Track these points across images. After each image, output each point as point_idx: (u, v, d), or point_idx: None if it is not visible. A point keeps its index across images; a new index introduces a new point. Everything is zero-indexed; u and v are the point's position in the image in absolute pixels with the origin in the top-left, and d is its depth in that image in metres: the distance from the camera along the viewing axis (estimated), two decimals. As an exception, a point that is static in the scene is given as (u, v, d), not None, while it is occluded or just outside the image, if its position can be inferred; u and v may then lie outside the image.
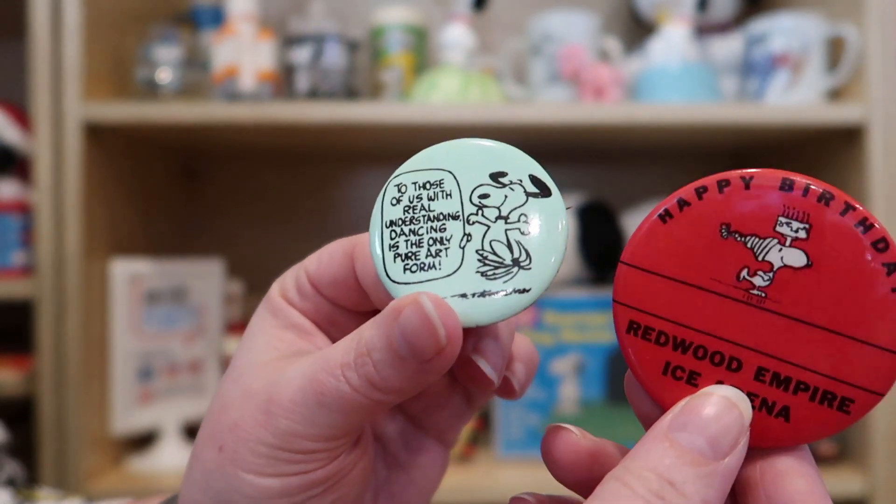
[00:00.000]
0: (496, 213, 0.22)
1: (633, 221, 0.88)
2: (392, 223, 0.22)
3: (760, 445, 0.20)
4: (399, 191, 0.22)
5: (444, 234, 0.22)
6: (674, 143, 0.95)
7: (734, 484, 0.20)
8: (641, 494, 0.18)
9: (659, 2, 0.87)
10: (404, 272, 0.21)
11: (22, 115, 0.86)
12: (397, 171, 0.22)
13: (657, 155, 1.05)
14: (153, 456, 0.82)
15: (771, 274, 0.19)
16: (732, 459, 0.18)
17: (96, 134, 0.78)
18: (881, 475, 0.75)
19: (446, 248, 0.21)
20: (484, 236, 0.21)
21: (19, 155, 0.85)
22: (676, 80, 0.81)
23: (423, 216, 0.22)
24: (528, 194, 0.22)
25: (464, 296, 0.21)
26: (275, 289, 0.26)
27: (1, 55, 0.97)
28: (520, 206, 0.22)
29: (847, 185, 0.80)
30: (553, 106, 0.80)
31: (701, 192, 0.20)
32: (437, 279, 0.21)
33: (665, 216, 0.20)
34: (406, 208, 0.22)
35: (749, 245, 0.20)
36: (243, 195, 1.07)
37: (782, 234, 0.19)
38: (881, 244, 0.19)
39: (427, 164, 0.22)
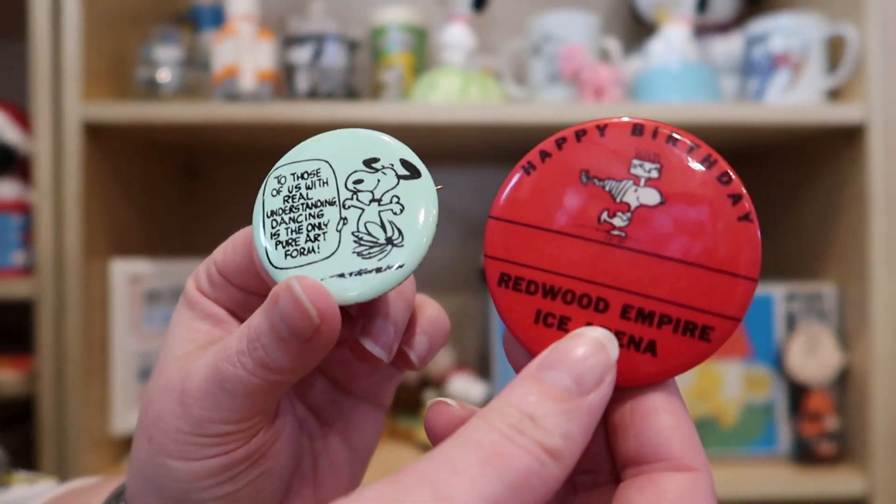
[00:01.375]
0: (370, 196, 0.23)
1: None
2: (273, 213, 0.23)
3: (632, 384, 0.20)
4: (279, 182, 0.23)
5: (321, 220, 0.23)
6: (674, 143, 0.95)
7: (609, 429, 0.21)
8: (499, 427, 0.18)
9: (659, 2, 0.87)
10: (286, 258, 0.23)
11: (22, 115, 0.86)
12: (277, 164, 0.23)
13: (657, 155, 1.05)
14: (153, 456, 0.82)
15: (629, 214, 0.20)
16: (597, 396, 0.19)
17: (96, 134, 0.78)
18: (881, 475, 0.75)
19: (324, 233, 0.23)
20: (359, 219, 0.23)
21: (19, 155, 0.85)
22: (676, 80, 0.81)
23: (302, 204, 0.23)
24: (399, 177, 0.23)
25: (342, 275, 0.22)
26: (190, 282, 0.27)
27: (1, 55, 0.97)
28: (392, 189, 0.23)
29: (847, 185, 0.80)
30: (553, 106, 0.80)
31: (561, 142, 0.22)
32: (316, 262, 0.22)
33: (528, 168, 0.22)
34: (286, 198, 0.23)
35: (607, 188, 0.21)
36: (243, 195, 1.07)
37: (637, 176, 0.20)
38: (724, 178, 0.20)
39: (304, 155, 0.24)
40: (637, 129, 0.21)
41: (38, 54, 0.76)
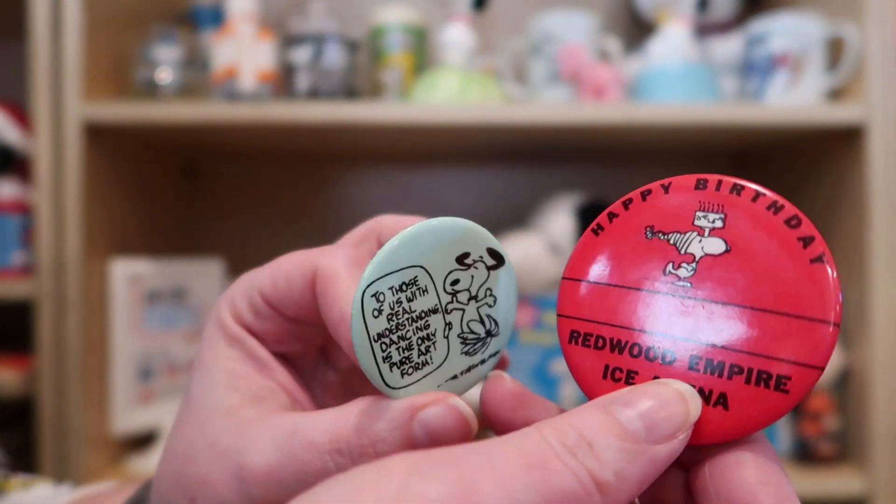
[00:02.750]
0: (467, 295, 0.23)
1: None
2: (380, 336, 0.21)
3: (703, 440, 0.19)
4: (377, 300, 0.21)
5: (428, 331, 0.22)
6: (674, 143, 0.95)
7: (694, 496, 0.19)
8: (551, 443, 0.17)
9: (659, 2, 0.87)
10: (402, 377, 0.22)
11: (22, 115, 0.86)
12: (369, 278, 0.21)
13: (657, 155, 1.05)
14: (153, 456, 0.82)
15: (694, 264, 0.20)
16: (664, 449, 0.18)
17: (96, 134, 0.78)
18: (881, 476, 0.75)
19: (433, 342, 0.22)
20: (461, 320, 0.23)
21: (19, 155, 0.85)
22: (676, 80, 0.81)
23: (407, 319, 0.22)
24: (488, 268, 0.23)
25: (454, 377, 0.23)
26: (225, 312, 0.24)
27: (1, 55, 0.97)
28: (484, 283, 0.23)
29: (847, 185, 0.80)
30: (553, 106, 0.80)
31: (627, 203, 0.22)
32: (431, 373, 0.22)
33: (597, 229, 0.22)
34: (389, 316, 0.21)
35: (672, 241, 0.20)
36: (243, 195, 1.07)
37: (701, 227, 0.20)
38: (793, 221, 0.19)
39: (398, 263, 0.22)
40: (700, 182, 0.21)
41: (38, 54, 0.76)
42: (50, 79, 0.76)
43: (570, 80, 0.84)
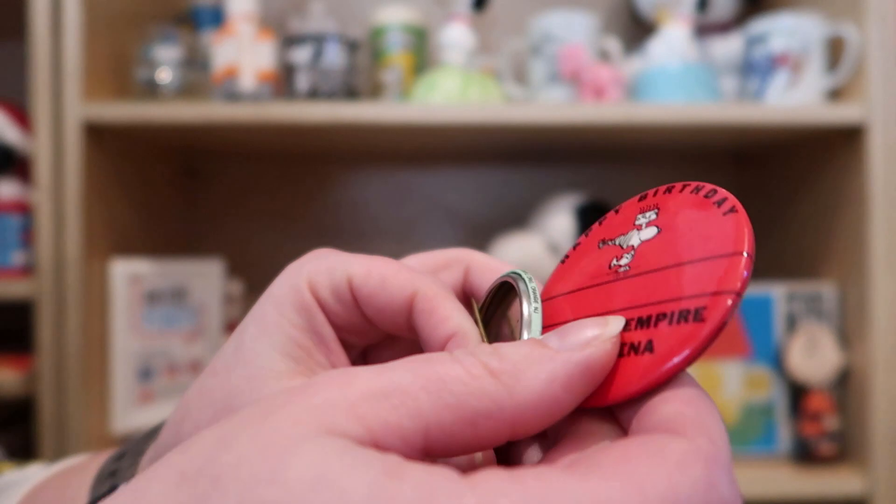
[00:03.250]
0: None
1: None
2: None
3: (634, 388, 0.19)
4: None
5: None
6: (674, 143, 0.95)
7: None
8: (456, 355, 0.18)
9: (659, 2, 0.87)
10: None
11: (22, 115, 0.86)
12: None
13: (657, 155, 1.05)
14: (153, 456, 0.82)
15: (632, 252, 0.22)
16: (578, 355, 0.18)
17: (96, 134, 0.78)
18: (881, 475, 0.75)
19: None
20: None
21: (19, 155, 0.85)
22: (676, 80, 0.81)
23: None
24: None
25: None
26: (302, 280, 0.24)
27: (1, 55, 0.97)
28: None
29: (847, 184, 0.80)
30: (553, 106, 0.80)
31: (587, 231, 0.25)
32: None
33: (564, 259, 0.25)
34: None
35: (617, 242, 0.23)
36: (243, 195, 1.07)
37: (639, 224, 0.23)
38: (711, 192, 0.21)
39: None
40: (642, 196, 0.24)
41: (38, 54, 0.76)
42: (50, 79, 0.76)
43: (570, 80, 0.84)
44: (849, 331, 0.81)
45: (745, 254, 0.19)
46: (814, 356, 0.80)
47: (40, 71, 0.76)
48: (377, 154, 1.06)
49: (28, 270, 0.82)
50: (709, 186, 0.22)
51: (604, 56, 0.88)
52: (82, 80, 0.76)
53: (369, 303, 0.24)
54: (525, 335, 0.22)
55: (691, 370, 0.22)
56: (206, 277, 0.89)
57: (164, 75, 0.82)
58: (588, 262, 0.24)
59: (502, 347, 0.18)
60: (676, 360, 0.19)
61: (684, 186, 0.22)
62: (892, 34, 0.76)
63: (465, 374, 0.17)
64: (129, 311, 0.81)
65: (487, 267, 0.27)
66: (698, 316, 0.19)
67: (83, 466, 0.29)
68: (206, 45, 0.88)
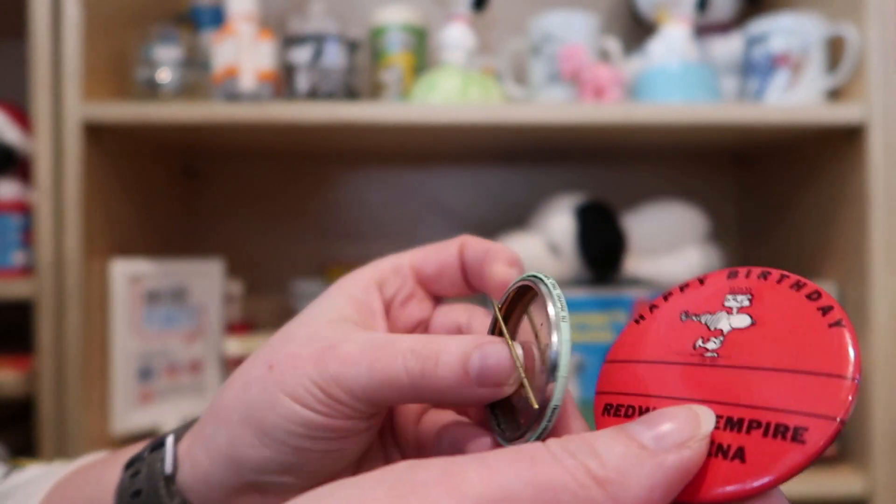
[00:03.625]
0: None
1: (634, 221, 0.88)
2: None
3: (723, 494, 0.19)
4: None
5: None
6: (674, 143, 0.95)
7: None
8: (549, 447, 0.18)
9: (659, 2, 0.87)
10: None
11: (22, 115, 0.86)
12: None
13: (657, 155, 1.05)
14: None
15: (721, 338, 0.21)
16: (674, 457, 0.18)
17: (96, 134, 0.78)
18: (881, 475, 0.75)
19: None
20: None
21: (19, 155, 0.85)
22: (676, 80, 0.81)
23: None
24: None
25: None
26: (409, 258, 0.30)
27: (1, 55, 0.97)
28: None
29: (847, 184, 0.80)
30: (553, 106, 0.80)
31: (667, 295, 0.24)
32: None
33: (639, 319, 0.24)
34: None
35: (703, 321, 0.22)
36: (243, 195, 1.07)
37: (729, 307, 0.22)
38: (814, 295, 0.21)
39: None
40: (732, 273, 0.23)
41: (38, 54, 0.76)
42: (50, 79, 0.76)
43: (570, 80, 0.84)
44: (849, 331, 0.81)
45: (853, 378, 0.19)
46: (814, 356, 0.80)
47: (40, 71, 0.76)
48: (377, 154, 1.06)
49: (28, 270, 0.82)
50: (811, 286, 0.21)
51: (604, 56, 0.88)
52: (82, 80, 0.76)
53: (434, 271, 0.29)
54: (554, 338, 0.22)
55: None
56: (206, 277, 0.89)
57: (164, 75, 0.82)
58: (668, 332, 0.23)
59: (597, 443, 0.18)
60: (769, 478, 0.19)
61: (782, 277, 0.22)
62: (892, 34, 0.76)
63: (573, 483, 0.17)
64: (129, 311, 0.81)
65: (480, 243, 0.29)
66: (798, 436, 0.18)
67: (106, 461, 0.30)
68: (206, 45, 0.88)
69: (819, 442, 0.18)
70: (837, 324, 0.19)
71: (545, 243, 0.86)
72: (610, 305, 0.81)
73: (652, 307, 0.24)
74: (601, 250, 0.82)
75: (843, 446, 0.80)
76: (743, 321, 0.21)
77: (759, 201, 1.03)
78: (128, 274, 0.81)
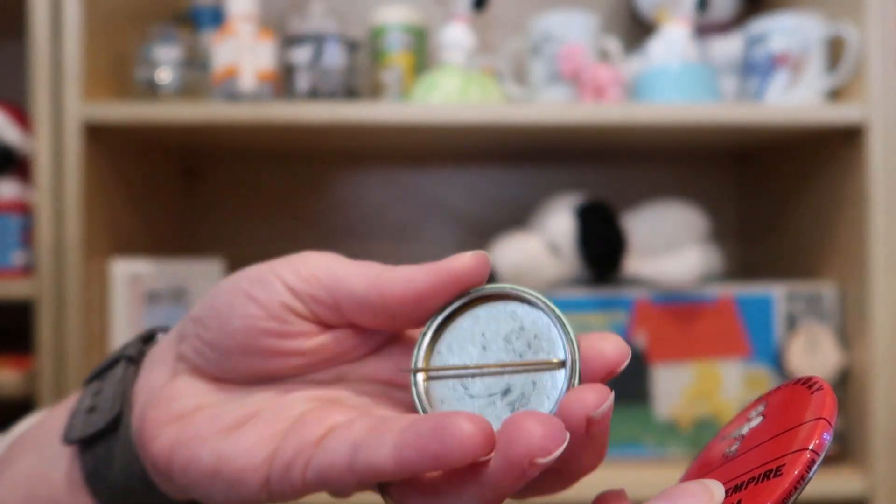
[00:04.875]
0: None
1: (634, 221, 0.88)
2: None
3: None
4: None
5: None
6: (674, 143, 0.95)
7: None
8: None
9: (659, 2, 0.87)
10: None
11: (22, 115, 0.86)
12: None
13: (657, 155, 1.05)
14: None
15: (741, 440, 0.25)
16: None
17: (96, 134, 0.78)
18: (881, 475, 0.75)
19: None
20: None
21: (19, 155, 0.85)
22: (676, 80, 0.81)
23: None
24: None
25: None
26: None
27: (1, 55, 0.97)
28: None
29: (847, 185, 0.80)
30: (553, 106, 0.80)
31: (717, 433, 0.28)
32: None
33: (695, 458, 0.28)
34: None
35: (732, 435, 0.26)
36: (243, 195, 1.07)
37: (750, 417, 0.26)
38: (808, 381, 0.24)
39: None
40: (759, 397, 0.27)
41: (37, 54, 0.76)
42: (50, 79, 0.76)
43: (570, 80, 0.84)
44: (849, 330, 0.81)
45: (824, 418, 0.22)
46: (814, 356, 0.80)
47: (40, 71, 0.76)
48: (377, 154, 1.06)
49: (28, 270, 0.82)
50: (813, 379, 0.24)
51: (604, 56, 0.88)
52: (82, 80, 0.76)
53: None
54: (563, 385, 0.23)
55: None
56: (206, 277, 0.89)
57: (164, 75, 0.82)
58: (708, 454, 0.26)
59: None
60: None
61: (795, 381, 0.25)
62: (892, 34, 0.76)
63: None
64: (129, 310, 0.81)
65: None
66: (778, 472, 0.21)
67: (48, 417, 0.32)
68: (205, 45, 0.88)
69: (794, 470, 0.21)
70: (818, 388, 0.23)
71: (545, 243, 0.86)
72: (609, 305, 0.82)
73: (706, 444, 0.28)
74: (601, 250, 0.82)
75: (844, 446, 0.80)
76: (757, 421, 0.25)
77: (758, 201, 1.03)
78: (128, 274, 0.81)
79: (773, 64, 0.81)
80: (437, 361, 0.25)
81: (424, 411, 0.24)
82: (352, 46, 0.85)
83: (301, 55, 0.82)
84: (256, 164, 1.07)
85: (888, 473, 0.75)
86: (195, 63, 0.85)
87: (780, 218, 0.98)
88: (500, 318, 0.25)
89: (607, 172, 1.07)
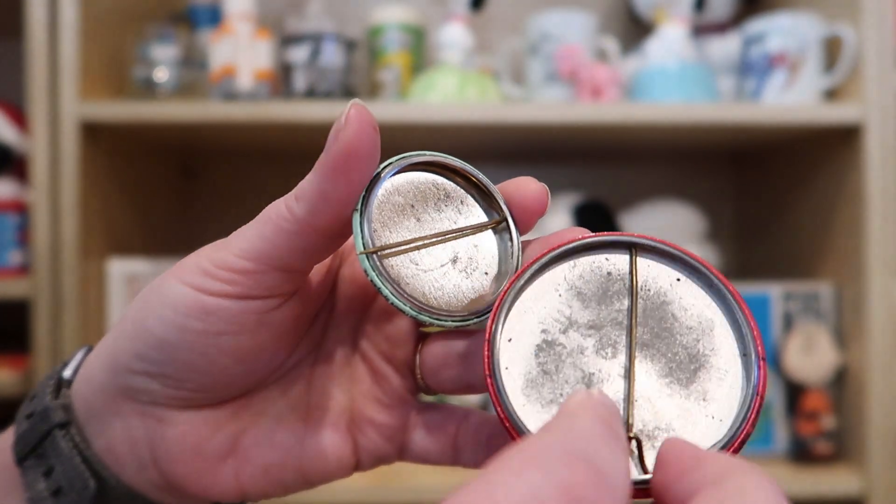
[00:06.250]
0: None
1: (631, 221, 0.88)
2: None
3: None
4: None
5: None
6: (671, 142, 0.95)
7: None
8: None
9: (656, 1, 0.87)
10: None
11: (19, 115, 0.86)
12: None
13: (655, 155, 1.05)
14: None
15: None
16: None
17: (93, 133, 0.78)
18: (878, 474, 0.75)
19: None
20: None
21: (16, 154, 0.85)
22: (674, 79, 0.82)
23: None
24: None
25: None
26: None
27: (-3, 54, 0.97)
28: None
29: (843, 184, 0.81)
30: (551, 106, 0.80)
31: None
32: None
33: None
34: None
35: None
36: (241, 194, 1.07)
37: None
38: None
39: None
40: None
41: (34, 53, 0.75)
42: (47, 78, 0.75)
43: (567, 79, 0.84)
44: (845, 330, 0.81)
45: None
46: (811, 355, 0.80)
47: (37, 70, 0.75)
48: (375, 153, 1.06)
49: (24, 270, 0.82)
50: None
51: (601, 56, 0.88)
52: (79, 79, 0.75)
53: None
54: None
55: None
56: (203, 277, 0.89)
57: (162, 74, 0.82)
58: None
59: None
60: None
61: None
62: (888, 34, 0.77)
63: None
64: (125, 310, 0.81)
65: None
66: None
67: None
68: (203, 45, 0.87)
69: None
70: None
71: (543, 243, 0.86)
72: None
73: None
74: (599, 250, 0.82)
75: (840, 445, 0.81)
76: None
77: (756, 201, 1.04)
78: (125, 273, 0.81)
79: (771, 64, 0.81)
80: (380, 241, 0.23)
81: (394, 294, 0.23)
82: (349, 46, 0.85)
83: (298, 54, 0.82)
84: (254, 163, 1.06)
85: (885, 472, 0.75)
86: (192, 62, 0.85)
87: (777, 217, 0.98)
88: (422, 187, 0.24)
89: (605, 172, 1.08)
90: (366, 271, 0.22)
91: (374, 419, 0.27)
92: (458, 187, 0.25)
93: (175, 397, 0.24)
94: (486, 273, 0.24)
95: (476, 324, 0.23)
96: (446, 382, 0.26)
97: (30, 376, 0.78)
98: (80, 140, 0.75)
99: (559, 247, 0.23)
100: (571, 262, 0.23)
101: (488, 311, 0.23)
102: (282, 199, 0.24)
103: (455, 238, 0.24)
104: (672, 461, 0.18)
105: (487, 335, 0.21)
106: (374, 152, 0.23)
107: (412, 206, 0.24)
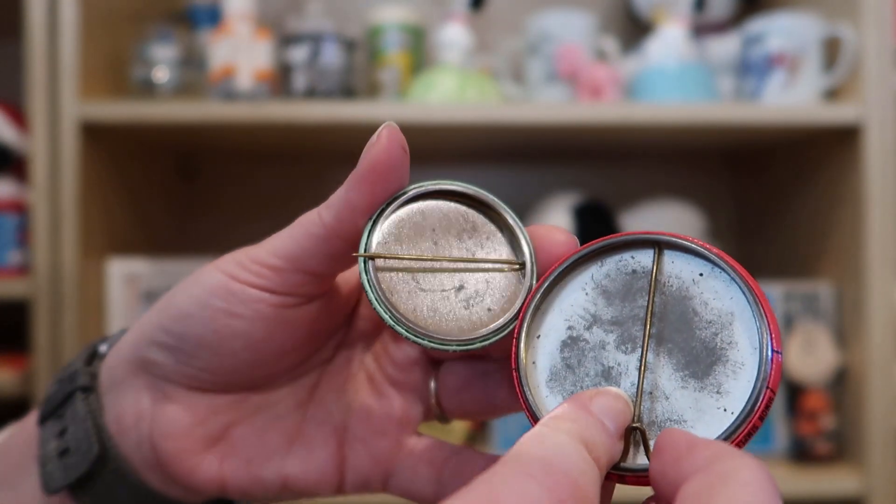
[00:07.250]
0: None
1: (631, 221, 0.88)
2: None
3: None
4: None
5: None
6: (671, 142, 0.95)
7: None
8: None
9: (656, 1, 0.87)
10: None
11: (18, 115, 0.86)
12: None
13: (654, 154, 1.05)
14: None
15: None
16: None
17: (93, 133, 0.78)
18: (878, 474, 0.75)
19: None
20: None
21: (16, 154, 0.85)
22: (673, 79, 0.82)
23: None
24: None
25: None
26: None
27: (-3, 54, 0.97)
28: None
29: (843, 184, 0.81)
30: (550, 105, 0.80)
31: None
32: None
33: None
34: None
35: None
36: (240, 194, 1.07)
37: None
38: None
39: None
40: None
41: (34, 53, 0.75)
42: (46, 78, 0.75)
43: (567, 79, 0.84)
44: (845, 330, 0.81)
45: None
46: (810, 355, 0.80)
47: (37, 70, 0.75)
48: (374, 153, 1.06)
49: (24, 270, 0.82)
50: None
51: (601, 56, 0.88)
52: (79, 79, 0.75)
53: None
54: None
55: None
56: (203, 277, 0.89)
57: (161, 74, 0.82)
58: None
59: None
60: None
61: None
62: (888, 34, 0.77)
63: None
64: (125, 310, 0.81)
65: None
66: None
67: (18, 429, 0.29)
68: (202, 45, 0.87)
69: None
70: None
71: (542, 243, 0.86)
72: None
73: None
74: (598, 250, 0.82)
75: (840, 445, 0.81)
76: None
77: (755, 201, 1.04)
78: (124, 273, 0.81)
79: (770, 64, 0.81)
80: (385, 251, 0.24)
81: (377, 300, 0.23)
82: (349, 46, 0.85)
83: (298, 54, 0.82)
84: (253, 163, 1.06)
85: (884, 472, 0.75)
86: (192, 62, 0.85)
87: (777, 217, 0.98)
88: (451, 215, 0.25)
89: (604, 172, 1.08)
90: (360, 273, 0.23)
91: (367, 440, 0.27)
92: (489, 223, 0.25)
93: (184, 374, 0.25)
94: (490, 310, 0.24)
95: (456, 350, 0.23)
96: (468, 403, 0.27)
97: (29, 376, 0.78)
98: (79, 140, 0.75)
99: (586, 247, 0.24)
100: (599, 262, 0.24)
101: (472, 342, 0.23)
102: (317, 207, 0.25)
103: (468, 270, 0.24)
104: (667, 449, 0.19)
105: (515, 332, 0.23)
106: (400, 169, 0.24)
107: (433, 229, 0.24)
